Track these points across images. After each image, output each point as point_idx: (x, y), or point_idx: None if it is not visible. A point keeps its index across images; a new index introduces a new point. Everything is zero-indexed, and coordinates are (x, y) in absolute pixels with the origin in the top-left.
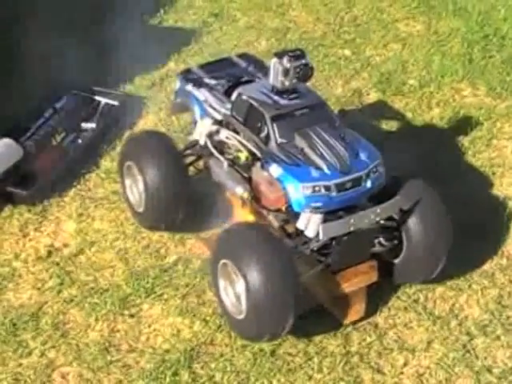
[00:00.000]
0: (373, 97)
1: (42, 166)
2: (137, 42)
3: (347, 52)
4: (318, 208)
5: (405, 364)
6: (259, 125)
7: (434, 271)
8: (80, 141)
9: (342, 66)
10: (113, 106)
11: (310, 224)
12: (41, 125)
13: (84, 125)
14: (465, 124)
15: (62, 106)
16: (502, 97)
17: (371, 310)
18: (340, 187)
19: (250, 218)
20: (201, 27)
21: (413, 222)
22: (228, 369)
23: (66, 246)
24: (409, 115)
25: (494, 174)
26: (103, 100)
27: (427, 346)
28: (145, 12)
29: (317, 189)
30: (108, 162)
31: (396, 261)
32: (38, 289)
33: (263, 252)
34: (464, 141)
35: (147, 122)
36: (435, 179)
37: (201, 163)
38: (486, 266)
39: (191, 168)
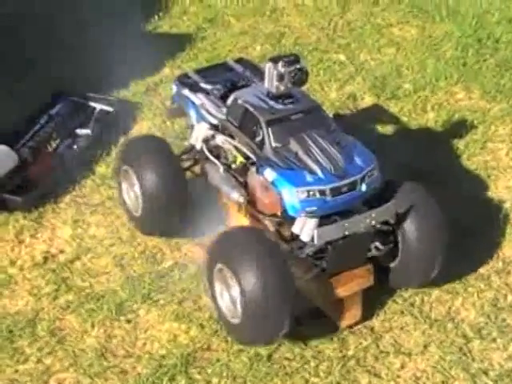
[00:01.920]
0: (367, 101)
1: (38, 172)
2: (132, 48)
3: (342, 57)
4: (312, 212)
5: (401, 367)
6: (254, 129)
7: (429, 276)
8: (75, 147)
9: (336, 71)
10: (108, 112)
11: (305, 228)
12: (36, 131)
13: (79, 131)
14: (459, 127)
15: (56, 113)
16: (497, 100)
17: (367, 314)
18: (335, 191)
19: (246, 222)
20: (195, 33)
21: (408, 225)
22: (225, 374)
23: (61, 252)
24: (404, 119)
25: (489, 176)
26: (98, 106)
27: (424, 349)
28: (140, 18)
29: (311, 193)
30: (103, 168)
31: (392, 265)
32: (35, 295)
33: (259, 256)
34: (459, 144)
35: (142, 127)
36: (430, 182)
37: (197, 168)
38: (482, 269)
39: (188, 172)
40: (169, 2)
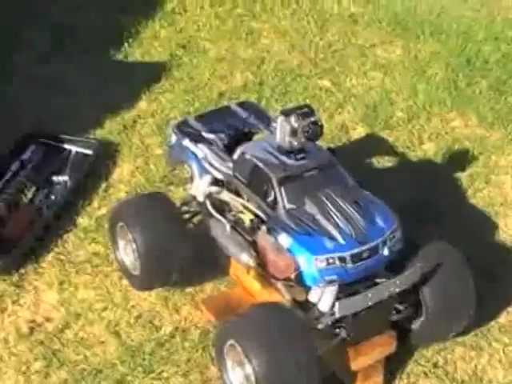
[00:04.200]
0: (360, 132)
1: (15, 228)
2: (103, 80)
3: (327, 83)
4: (332, 281)
5: None
6: (265, 188)
7: (451, 335)
8: (53, 197)
9: (323, 99)
10: (85, 154)
11: (324, 298)
12: (8, 180)
13: (55, 178)
14: (460, 159)
15: (29, 158)
16: (494, 127)
17: (390, 377)
18: (356, 258)
19: (256, 285)
20: (170, 60)
21: (432, 286)
22: None
23: (48, 320)
24: (400, 151)
25: (496, 214)
26: (74, 148)
27: None
28: (108, 46)
29: (331, 261)
30: (85, 220)
31: (414, 326)
32: (24, 373)
33: (283, 335)
34: (462, 178)
35: (123, 170)
36: (436, 222)
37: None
38: (503, 319)
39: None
40: (138, 27)
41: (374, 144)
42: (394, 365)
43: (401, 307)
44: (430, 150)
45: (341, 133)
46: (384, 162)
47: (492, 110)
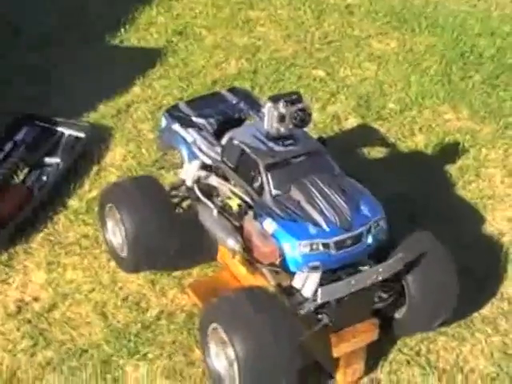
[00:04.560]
0: (352, 122)
1: (6, 208)
2: (99, 65)
3: (321, 73)
4: (315, 267)
5: None
6: (252, 174)
7: (434, 324)
8: (44, 178)
9: (317, 89)
10: (77, 138)
11: (307, 283)
12: (0, 160)
13: (47, 160)
14: (451, 152)
15: (22, 139)
16: (485, 121)
17: (372, 364)
18: (339, 245)
19: (242, 269)
20: (165, 47)
21: (417, 275)
22: None
23: (36, 299)
24: (391, 142)
25: (485, 207)
26: (66, 131)
27: None
28: (105, 31)
29: (315, 247)
30: (76, 202)
31: (397, 315)
32: (10, 351)
33: (264, 319)
34: (452, 170)
35: (115, 154)
36: (425, 215)
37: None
38: (487, 311)
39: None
40: (135, 13)
41: (365, 134)
42: (376, 353)
43: (384, 295)
44: (420, 141)
45: (333, 122)
46: (375, 152)
47: (484, 103)
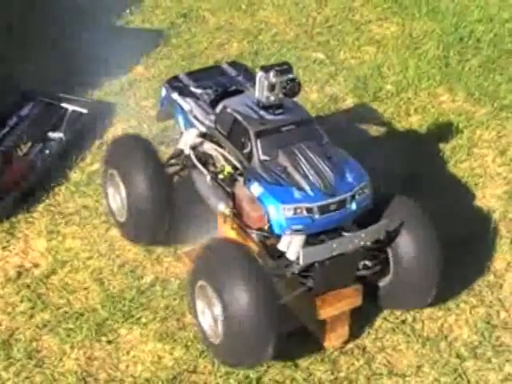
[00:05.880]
0: (349, 103)
1: (9, 179)
2: (104, 45)
3: (321, 55)
4: (299, 230)
5: None
6: (243, 140)
7: (426, 298)
8: (47, 151)
9: (316, 70)
10: (81, 113)
11: (292, 246)
12: (5, 134)
13: (51, 134)
14: (445, 132)
15: (27, 114)
16: (481, 103)
17: (358, 332)
18: (323, 209)
19: (232, 234)
20: (169, 28)
21: (400, 243)
22: None
23: (36, 266)
24: (387, 122)
25: (476, 184)
26: (70, 107)
27: (417, 370)
28: (110, 12)
29: (298, 211)
30: (77, 175)
31: (382, 284)
32: (9, 314)
33: (242, 275)
34: (444, 149)
35: (117, 130)
36: (416, 190)
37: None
38: (474, 283)
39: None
40: None
41: (362, 114)
42: (363, 321)
43: (369, 263)
44: (415, 122)
45: (330, 102)
46: (371, 131)
47: (480, 86)
